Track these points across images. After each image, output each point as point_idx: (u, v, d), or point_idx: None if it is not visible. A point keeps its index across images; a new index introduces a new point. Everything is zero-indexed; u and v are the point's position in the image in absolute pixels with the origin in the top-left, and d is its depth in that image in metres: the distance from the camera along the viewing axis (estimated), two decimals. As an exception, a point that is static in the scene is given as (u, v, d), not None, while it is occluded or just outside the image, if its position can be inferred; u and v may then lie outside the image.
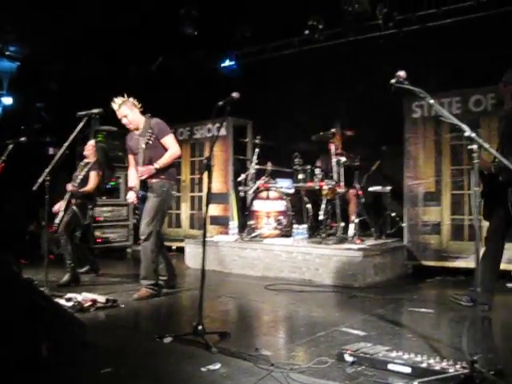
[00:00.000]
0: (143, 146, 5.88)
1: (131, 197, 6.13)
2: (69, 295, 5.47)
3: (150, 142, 5.91)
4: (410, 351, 3.50)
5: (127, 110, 6.12)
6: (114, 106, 6.14)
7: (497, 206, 4.98)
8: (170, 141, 6.11)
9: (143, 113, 6.27)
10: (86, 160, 7.50)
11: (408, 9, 8.22)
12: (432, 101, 3.53)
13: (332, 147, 7.66)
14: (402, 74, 3.56)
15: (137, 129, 6.15)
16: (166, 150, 6.07)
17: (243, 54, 10.35)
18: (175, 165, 6.49)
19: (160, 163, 5.93)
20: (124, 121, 6.17)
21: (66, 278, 6.88)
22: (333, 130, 7.65)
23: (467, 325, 3.34)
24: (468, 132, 3.25)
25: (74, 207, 7.12)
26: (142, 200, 6.05)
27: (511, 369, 3.42)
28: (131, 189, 6.18)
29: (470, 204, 7.09)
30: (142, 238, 6.02)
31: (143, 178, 5.90)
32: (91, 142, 7.64)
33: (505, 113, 5.37)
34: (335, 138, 7.79)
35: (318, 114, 8.94)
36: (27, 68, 11.31)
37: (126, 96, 6.26)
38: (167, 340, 4.13)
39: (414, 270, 7.59)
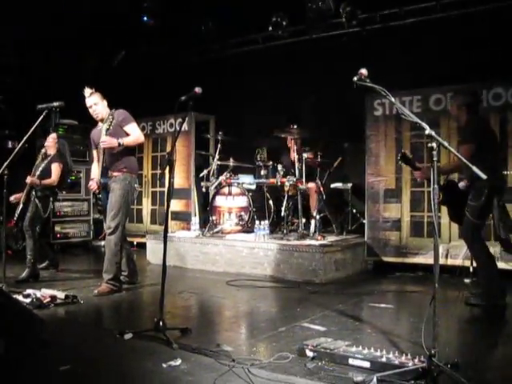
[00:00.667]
0: (104, 132, 5.86)
1: (92, 184, 6.11)
2: (27, 291, 5.39)
3: (111, 128, 5.90)
4: (370, 346, 3.55)
5: (97, 99, 6.17)
6: (86, 93, 6.16)
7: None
8: (133, 127, 6.13)
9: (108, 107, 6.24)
10: (46, 152, 7.36)
11: (371, 8, 8.29)
12: (393, 99, 3.57)
13: (294, 144, 7.71)
14: (364, 71, 3.58)
15: (102, 120, 6.12)
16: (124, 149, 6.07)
17: (207, 49, 10.30)
18: (136, 158, 6.46)
19: (124, 140, 5.92)
20: (92, 109, 6.17)
21: (25, 273, 6.76)
22: (295, 127, 7.69)
23: (425, 319, 3.39)
24: (428, 130, 3.30)
25: (36, 200, 6.99)
26: (103, 187, 6.02)
27: (467, 362, 3.50)
28: (92, 180, 6.16)
29: (430, 201, 7.22)
30: (108, 231, 5.98)
31: (105, 146, 5.86)
32: (53, 135, 7.50)
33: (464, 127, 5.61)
34: (297, 135, 7.83)
35: (280, 110, 8.98)
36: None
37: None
38: (128, 336, 4.10)
39: (375, 265, 7.69)
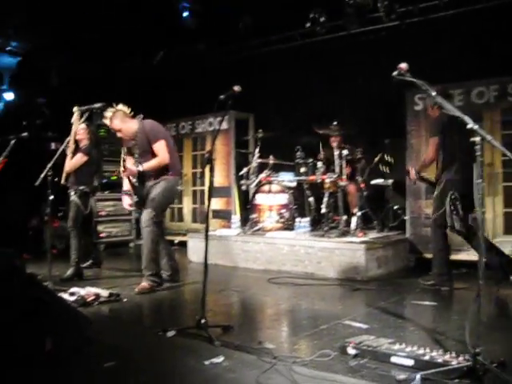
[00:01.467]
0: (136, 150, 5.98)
1: (126, 202, 6.24)
2: (72, 290, 5.49)
3: (140, 144, 6.00)
4: (413, 344, 3.50)
5: (119, 124, 6.09)
6: (106, 121, 6.12)
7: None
8: (160, 146, 5.99)
9: (136, 114, 6.24)
10: (77, 145, 7.37)
11: (410, 1, 8.17)
12: (434, 93, 3.52)
13: (334, 140, 7.66)
14: (403, 66, 3.54)
15: (133, 138, 6.10)
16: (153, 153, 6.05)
17: (245, 47, 10.31)
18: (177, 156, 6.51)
19: (145, 166, 5.92)
20: (119, 134, 6.18)
21: (69, 272, 6.89)
22: (335, 123, 7.64)
23: (469, 317, 3.34)
24: (471, 124, 3.24)
25: (75, 198, 7.10)
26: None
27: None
28: (126, 193, 6.26)
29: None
30: (143, 225, 6.03)
31: (125, 175, 5.96)
32: (82, 126, 7.46)
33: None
34: (337, 131, 7.77)
35: (320, 107, 8.93)
36: (28, 63, 11.31)
37: (114, 106, 6.21)
38: (170, 334, 4.14)
39: (417, 262, 7.58)
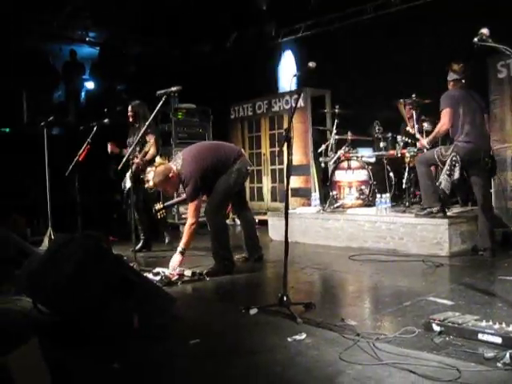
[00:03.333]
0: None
1: None
2: (156, 269, 5.64)
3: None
4: (501, 321, 3.38)
5: (163, 184, 5.88)
6: (151, 184, 5.90)
7: None
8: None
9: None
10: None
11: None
12: (518, 59, 3.36)
13: (413, 113, 7.47)
14: (485, 31, 3.41)
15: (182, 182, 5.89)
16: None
17: (317, 23, 10.18)
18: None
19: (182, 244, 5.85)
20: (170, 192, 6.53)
21: (139, 245, 7.45)
22: (413, 96, 7.43)
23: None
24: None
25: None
26: None
27: None
28: None
29: None
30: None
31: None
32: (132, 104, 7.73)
33: None
34: (416, 104, 7.56)
35: (396, 80, 8.71)
36: (107, 52, 11.64)
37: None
38: (253, 311, 4.19)
39: (503, 236, 7.27)
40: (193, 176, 5.72)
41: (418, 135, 7.17)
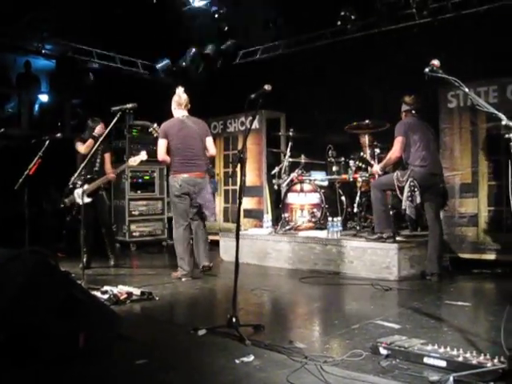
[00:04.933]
0: None
1: None
2: (105, 288, 5.55)
3: None
4: (446, 345, 3.44)
5: None
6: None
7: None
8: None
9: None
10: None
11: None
12: (467, 89, 3.46)
13: (366, 139, 7.60)
14: (436, 62, 3.50)
15: None
16: None
17: (275, 46, 10.30)
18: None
19: None
20: None
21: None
22: (366, 122, 7.57)
23: (505, 318, 3.27)
24: (505, 121, 3.18)
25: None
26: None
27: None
28: None
29: (509, 195, 6.97)
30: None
31: None
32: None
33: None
34: (369, 130, 7.70)
35: (351, 105, 8.86)
36: (63, 66, 11.48)
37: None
38: (201, 332, 4.16)
39: (451, 262, 7.45)
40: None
41: (371, 161, 7.32)
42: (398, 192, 6.46)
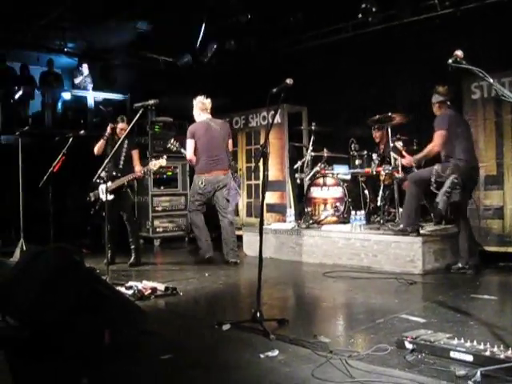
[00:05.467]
0: None
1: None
2: (129, 283, 5.59)
3: None
4: (473, 339, 3.40)
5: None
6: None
7: None
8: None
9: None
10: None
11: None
12: (491, 80, 3.41)
13: (389, 132, 7.54)
14: (459, 53, 3.45)
15: None
16: None
17: (297, 40, 10.26)
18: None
19: None
20: None
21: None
22: (389, 114, 7.51)
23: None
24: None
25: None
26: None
27: None
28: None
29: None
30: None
31: None
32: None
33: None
34: (392, 122, 7.64)
35: (373, 98, 8.81)
36: (85, 63, 11.60)
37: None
38: (226, 327, 4.17)
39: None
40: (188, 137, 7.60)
41: (403, 152, 7.13)
42: (433, 186, 6.29)
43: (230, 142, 7.75)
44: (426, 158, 6.76)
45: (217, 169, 7.40)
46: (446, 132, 6.26)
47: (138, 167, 7.47)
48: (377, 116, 7.58)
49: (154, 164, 7.19)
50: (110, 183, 7.08)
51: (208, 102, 7.58)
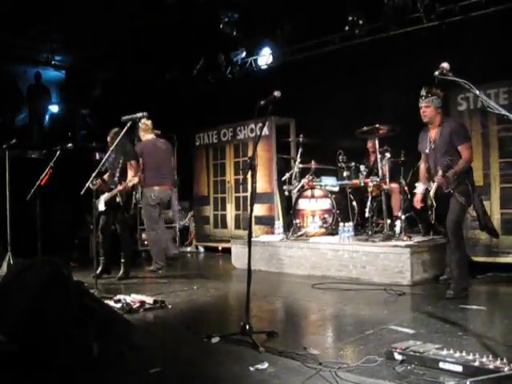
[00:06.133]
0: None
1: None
2: (118, 297, 5.56)
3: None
4: (462, 349, 3.41)
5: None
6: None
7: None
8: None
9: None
10: None
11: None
12: (477, 92, 3.44)
13: (376, 143, 7.58)
14: (445, 65, 3.48)
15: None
16: None
17: (284, 53, 10.32)
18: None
19: None
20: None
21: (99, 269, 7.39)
22: (376, 126, 7.54)
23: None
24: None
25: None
26: None
27: None
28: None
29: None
30: None
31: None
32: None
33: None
34: (378, 134, 7.67)
35: (360, 110, 8.85)
36: (72, 76, 11.58)
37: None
38: (215, 340, 4.15)
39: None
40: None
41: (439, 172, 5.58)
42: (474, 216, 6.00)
43: (173, 159, 8.50)
44: (460, 175, 5.53)
45: (164, 184, 8.13)
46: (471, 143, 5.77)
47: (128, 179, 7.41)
48: (364, 128, 7.60)
49: (129, 180, 7.18)
50: (106, 194, 7.26)
51: (150, 123, 8.18)
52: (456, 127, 5.66)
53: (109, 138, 7.56)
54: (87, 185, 6.27)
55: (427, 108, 5.69)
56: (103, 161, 6.38)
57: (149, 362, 3.67)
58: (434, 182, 5.62)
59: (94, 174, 6.26)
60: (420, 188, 6.01)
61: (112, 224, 7.55)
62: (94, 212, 6.75)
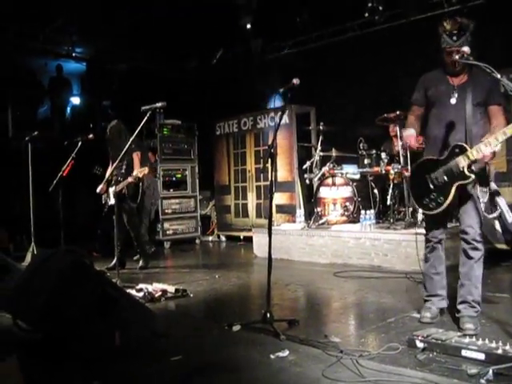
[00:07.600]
0: None
1: None
2: (140, 286, 5.61)
3: None
4: (484, 337, 3.38)
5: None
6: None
7: None
8: None
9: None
10: None
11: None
12: (499, 75, 3.39)
13: (397, 130, 7.51)
14: (466, 49, 3.46)
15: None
16: None
17: (303, 41, 10.26)
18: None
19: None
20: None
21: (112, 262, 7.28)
22: (397, 113, 7.47)
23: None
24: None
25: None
26: None
27: None
28: None
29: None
30: None
31: None
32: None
33: None
34: (400, 121, 7.60)
35: (381, 97, 8.77)
36: (93, 68, 11.63)
37: None
38: (236, 328, 4.17)
39: (487, 253, 7.28)
40: None
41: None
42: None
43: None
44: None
45: None
46: None
47: (135, 171, 7.36)
48: (385, 115, 7.54)
49: (140, 171, 7.14)
50: (114, 187, 7.13)
51: None
52: (492, 79, 3.75)
53: (108, 132, 7.57)
54: (107, 174, 6.31)
55: (464, 50, 3.79)
56: (122, 153, 6.32)
57: (170, 351, 3.70)
58: (458, 151, 4.21)
59: (114, 165, 6.29)
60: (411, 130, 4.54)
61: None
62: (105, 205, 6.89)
